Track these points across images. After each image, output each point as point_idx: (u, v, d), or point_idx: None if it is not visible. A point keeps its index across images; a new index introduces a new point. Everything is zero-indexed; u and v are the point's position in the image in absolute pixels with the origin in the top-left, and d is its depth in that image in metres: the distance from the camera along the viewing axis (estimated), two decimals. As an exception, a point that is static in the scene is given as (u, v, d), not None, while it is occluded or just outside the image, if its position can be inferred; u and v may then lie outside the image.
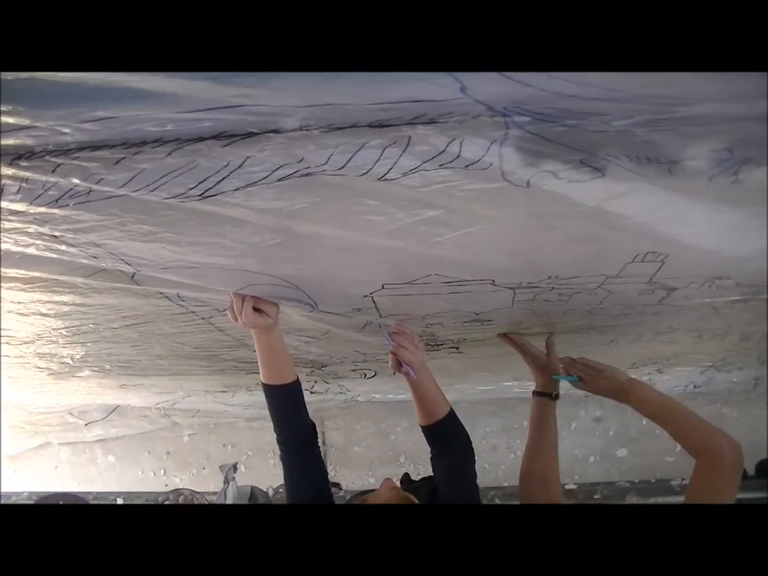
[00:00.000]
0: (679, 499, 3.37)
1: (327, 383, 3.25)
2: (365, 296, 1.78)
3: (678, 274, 1.74)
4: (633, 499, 3.21)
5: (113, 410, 4.14)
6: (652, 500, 3.27)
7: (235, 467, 2.34)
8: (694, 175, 1.20)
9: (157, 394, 3.62)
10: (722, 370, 3.49)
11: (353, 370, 2.97)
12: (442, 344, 2.43)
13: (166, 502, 2.30)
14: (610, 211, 1.31)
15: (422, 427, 2.06)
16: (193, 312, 2.03)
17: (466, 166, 1.10)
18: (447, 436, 2.04)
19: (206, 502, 2.41)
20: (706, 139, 1.10)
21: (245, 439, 4.36)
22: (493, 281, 1.70)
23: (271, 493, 2.85)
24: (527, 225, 1.37)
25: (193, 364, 2.77)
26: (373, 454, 4.07)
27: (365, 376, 3.09)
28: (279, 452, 1.95)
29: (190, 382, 3.25)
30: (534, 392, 2.22)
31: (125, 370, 2.87)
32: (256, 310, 1.78)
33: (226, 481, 2.32)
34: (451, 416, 2.03)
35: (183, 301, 1.91)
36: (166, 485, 4.38)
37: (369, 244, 1.42)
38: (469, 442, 2.05)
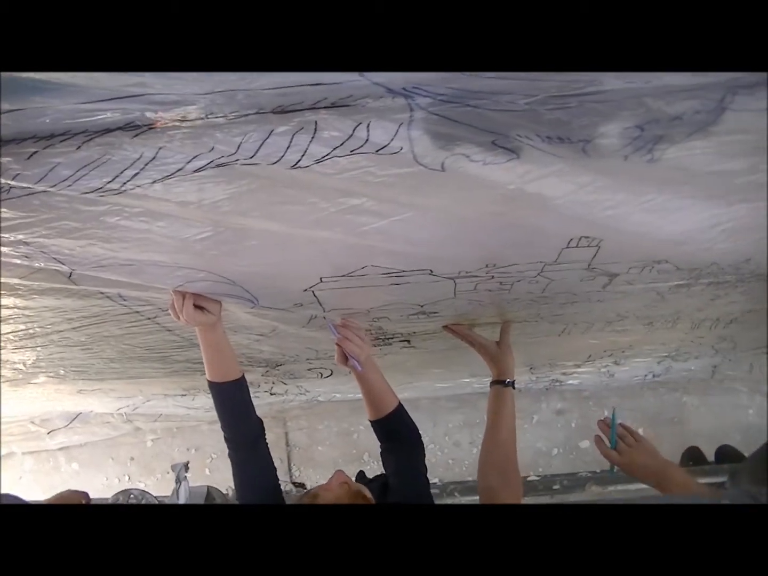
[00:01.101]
0: (637, 487, 3.39)
1: (285, 384, 3.25)
2: (305, 290, 1.78)
3: (616, 258, 1.75)
4: (592, 489, 3.23)
5: (75, 417, 4.12)
6: (611, 488, 3.29)
7: (186, 466, 2.33)
8: (609, 154, 1.20)
9: (117, 399, 3.60)
10: (678, 359, 3.51)
11: (309, 370, 2.97)
12: (392, 338, 2.43)
13: (116, 503, 2.28)
14: (533, 194, 1.31)
15: (372, 422, 2.08)
16: (137, 312, 2.02)
17: (377, 151, 1.10)
18: (396, 430, 2.06)
19: (156, 503, 2.39)
20: (615, 116, 1.10)
21: (209, 442, 4.34)
22: (431, 271, 1.70)
23: (230, 494, 2.84)
24: (453, 211, 1.37)
25: (147, 367, 2.76)
26: (336, 453, 4.07)
27: (322, 375, 3.09)
28: (227, 450, 1.95)
29: (148, 386, 3.24)
30: (491, 382, 2.23)
31: (80, 374, 2.85)
32: (197, 307, 1.78)
33: (178, 481, 2.31)
34: (400, 410, 2.06)
35: (125, 300, 1.89)
36: (130, 491, 4.36)
37: (296, 236, 1.41)
38: (419, 436, 2.07)
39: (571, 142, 1.15)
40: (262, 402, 3.54)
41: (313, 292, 1.80)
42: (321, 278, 1.70)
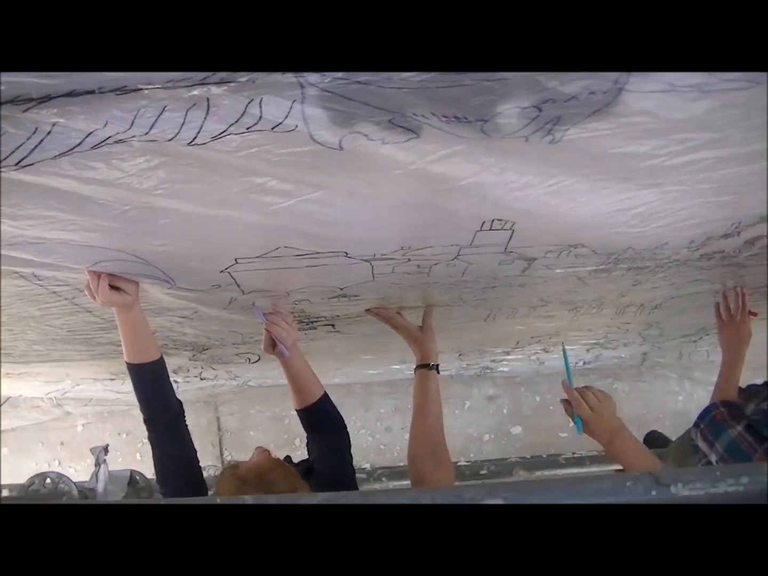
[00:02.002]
0: (564, 472, 3.44)
1: (214, 369, 3.24)
2: (222, 272, 1.78)
3: (531, 242, 1.77)
4: (520, 473, 3.27)
5: (5, 401, 4.07)
6: (538, 474, 3.33)
7: (106, 449, 2.32)
8: (510, 135, 1.21)
9: (46, 384, 3.57)
10: (608, 347, 3.56)
11: (236, 354, 2.97)
12: (316, 321, 2.44)
13: (32, 487, 2.27)
14: (438, 174, 1.31)
15: (298, 411, 2.10)
16: (54, 292, 2.00)
17: (272, 129, 1.09)
18: (323, 419, 2.08)
19: (73, 486, 2.38)
20: (511, 96, 1.10)
21: (140, 427, 4.29)
22: (347, 253, 1.71)
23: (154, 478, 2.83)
24: (360, 191, 1.37)
25: (71, 349, 2.74)
26: (268, 438, 4.06)
27: (250, 360, 3.09)
28: (147, 433, 1.95)
29: (76, 370, 3.22)
30: (415, 367, 2.25)
31: (5, 357, 2.82)
32: (113, 287, 1.77)
33: (98, 464, 2.30)
34: (326, 398, 2.08)
35: (40, 280, 1.87)
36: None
37: (204, 216, 1.40)
38: (344, 424, 2.10)
39: (468, 122, 1.15)
40: (192, 387, 3.53)
41: (229, 273, 1.79)
42: (236, 259, 1.69)
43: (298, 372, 2.07)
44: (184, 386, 3.42)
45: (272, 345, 2.04)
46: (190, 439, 1.97)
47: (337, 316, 2.38)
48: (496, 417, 4.28)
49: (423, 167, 1.28)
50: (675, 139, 1.34)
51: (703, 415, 2.38)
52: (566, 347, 3.36)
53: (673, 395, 4.52)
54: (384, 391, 4.06)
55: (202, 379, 3.42)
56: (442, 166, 1.29)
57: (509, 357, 3.60)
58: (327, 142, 1.15)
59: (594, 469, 3.46)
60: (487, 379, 4.20)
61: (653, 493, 1.00)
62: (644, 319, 3.08)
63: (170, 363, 2.23)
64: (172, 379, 2.01)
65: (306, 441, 2.10)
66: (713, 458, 2.24)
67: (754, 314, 2.67)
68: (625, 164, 1.40)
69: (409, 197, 1.42)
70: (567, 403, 1.98)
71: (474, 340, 3.17)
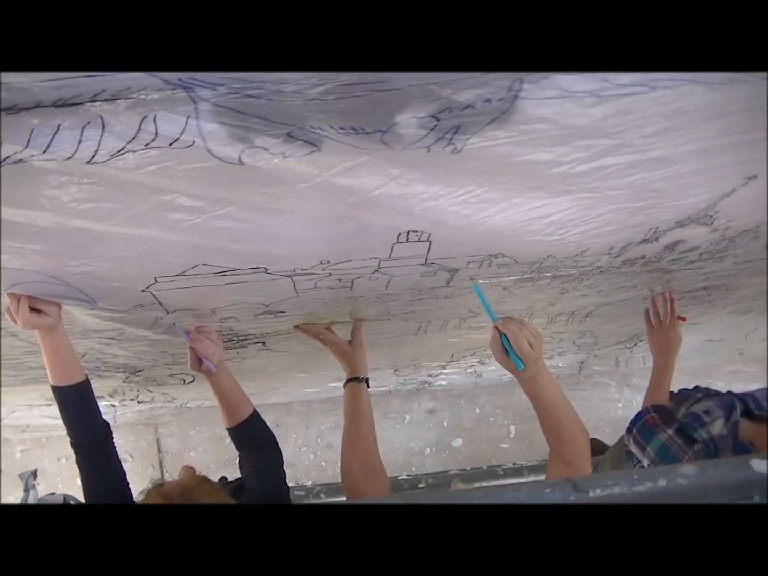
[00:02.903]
0: (502, 482, 3.45)
1: (150, 391, 3.21)
2: (143, 291, 1.77)
3: (450, 253, 1.78)
4: (458, 485, 3.29)
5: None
6: (477, 485, 3.35)
7: (35, 474, 2.29)
8: (411, 145, 1.22)
9: (-20, 412, 3.53)
10: (544, 356, 3.57)
11: (170, 376, 2.94)
12: (245, 339, 2.43)
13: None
14: (345, 186, 1.32)
15: (229, 430, 2.09)
16: (-26, 316, 1.98)
17: (170, 145, 1.10)
18: (254, 436, 2.08)
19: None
20: (407, 106, 1.11)
21: (80, 452, 4.27)
22: (266, 269, 1.71)
23: (89, 502, 2.80)
24: (269, 206, 1.37)
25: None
26: (209, 458, 4.03)
27: (185, 381, 3.07)
28: (74, 456, 1.93)
29: (8, 396, 3.17)
30: (345, 381, 2.26)
31: (-66, 387, 2.78)
32: (34, 310, 1.76)
33: (26, 489, 2.28)
34: (256, 416, 2.08)
35: (-42, 303, 1.86)
36: (-1, 505, 4.26)
37: (116, 235, 1.40)
38: (276, 441, 2.09)
39: (366, 133, 1.16)
40: (131, 410, 3.50)
41: (151, 292, 1.78)
42: (156, 278, 1.68)
43: (227, 390, 2.07)
44: (122, 409, 3.39)
45: (198, 362, 2.04)
46: (119, 461, 1.95)
47: (267, 333, 2.38)
48: (437, 430, 4.30)
49: (328, 180, 1.29)
50: (579, 146, 1.37)
51: (635, 421, 2.40)
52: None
53: (613, 402, 4.57)
54: (324, 408, 4.06)
55: (139, 402, 3.39)
56: (348, 178, 1.30)
57: (446, 370, 3.61)
58: (226, 157, 1.16)
59: (532, 478, 3.48)
60: (426, 393, 4.22)
61: (571, 498, 1.01)
62: (576, 327, 3.11)
63: (105, 386, 2.22)
64: (108, 402, 2.00)
65: (238, 462, 2.10)
66: (645, 462, 2.27)
67: (683, 319, 2.70)
68: (533, 172, 1.42)
69: (321, 211, 1.42)
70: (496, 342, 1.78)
71: (408, 355, 3.18)
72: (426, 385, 3.89)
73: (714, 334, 3.72)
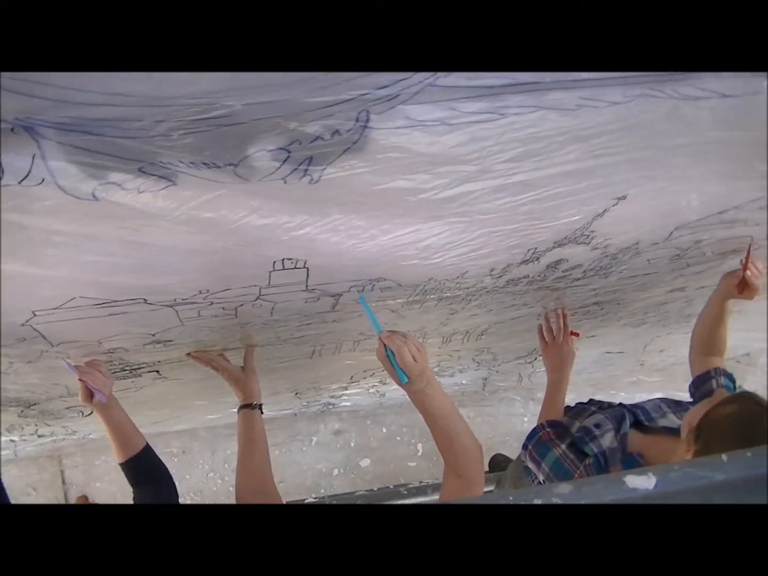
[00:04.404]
0: (406, 502, 3.48)
1: (49, 425, 3.16)
2: (23, 325, 1.76)
3: (329, 279, 1.80)
4: (363, 506, 3.30)
5: None
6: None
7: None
8: (266, 177, 1.24)
9: None
10: (444, 375, 3.61)
11: (67, 408, 2.91)
12: (138, 368, 2.41)
13: None
14: (208, 218, 1.34)
15: (122, 465, 2.09)
16: None
17: (19, 182, 1.10)
18: (148, 468, 2.07)
19: None
20: (254, 139, 1.14)
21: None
22: (146, 300, 1.71)
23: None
24: (131, 239, 1.38)
25: None
26: (114, 488, 3.96)
27: (83, 414, 3.04)
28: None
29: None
30: (238, 408, 2.26)
31: None
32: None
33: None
34: (149, 449, 2.08)
35: None
36: None
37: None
38: (169, 474, 2.09)
39: (218, 167, 1.18)
40: (32, 444, 3.44)
41: (31, 326, 1.77)
42: (34, 312, 1.68)
43: (118, 423, 2.07)
44: (22, 444, 3.33)
45: (90, 395, 2.04)
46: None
47: (159, 361, 2.37)
48: (344, 451, 4.31)
49: (188, 213, 1.31)
50: (439, 173, 1.40)
51: (530, 437, 2.44)
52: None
53: (519, 417, 4.62)
54: (228, 433, 4.03)
55: (39, 436, 3.34)
56: (208, 211, 1.32)
57: (348, 392, 3.62)
58: (80, 193, 1.16)
59: (435, 497, 3.50)
60: (331, 414, 4.23)
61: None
62: (473, 345, 3.14)
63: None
64: (8, 438, 1.98)
65: (133, 498, 2.09)
66: (541, 478, 2.30)
67: (576, 334, 2.75)
68: (396, 199, 1.45)
69: (188, 243, 1.44)
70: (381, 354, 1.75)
71: (307, 378, 3.18)
72: (330, 406, 3.90)
73: (612, 346, 3.78)
